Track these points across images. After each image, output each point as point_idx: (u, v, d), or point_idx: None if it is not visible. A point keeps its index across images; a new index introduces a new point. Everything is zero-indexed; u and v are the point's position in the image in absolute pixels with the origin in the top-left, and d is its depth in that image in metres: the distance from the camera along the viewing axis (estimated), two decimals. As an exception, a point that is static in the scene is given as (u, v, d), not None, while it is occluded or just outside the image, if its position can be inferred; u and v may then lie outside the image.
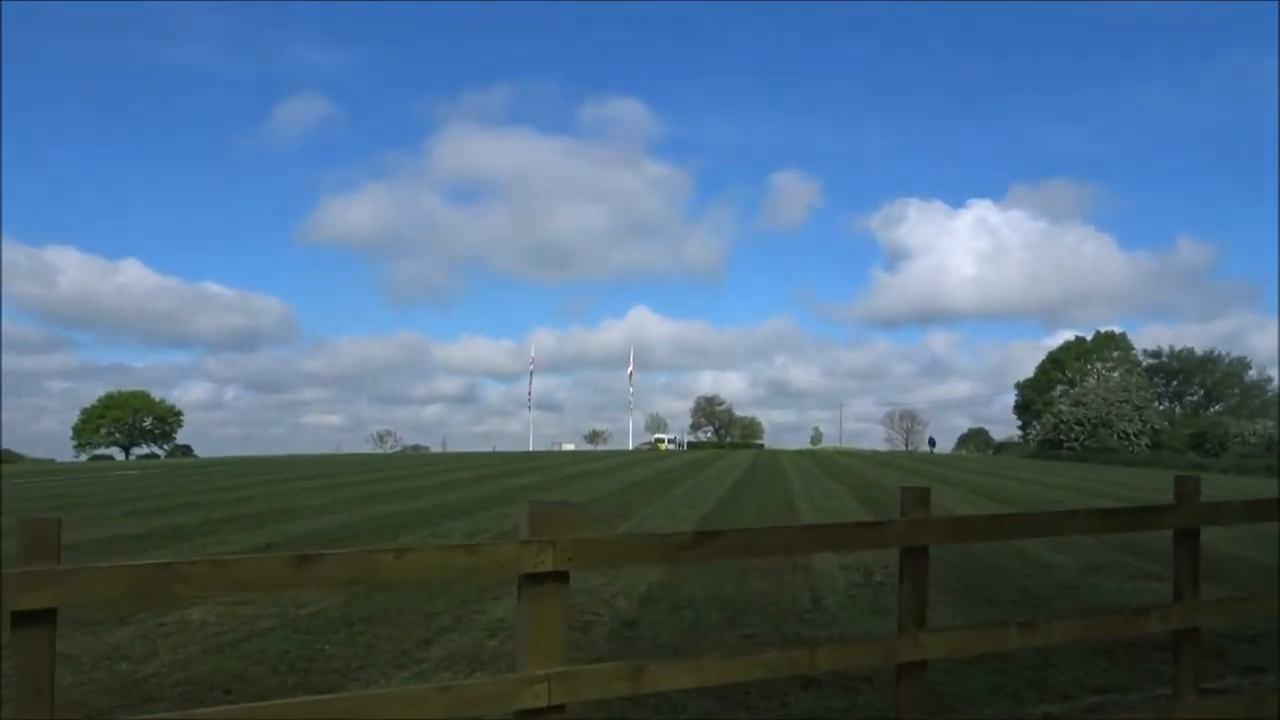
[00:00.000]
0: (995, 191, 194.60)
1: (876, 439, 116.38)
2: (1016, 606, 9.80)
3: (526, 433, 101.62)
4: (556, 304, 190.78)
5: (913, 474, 38.33)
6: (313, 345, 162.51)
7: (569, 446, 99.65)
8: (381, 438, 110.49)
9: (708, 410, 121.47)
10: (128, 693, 6.18)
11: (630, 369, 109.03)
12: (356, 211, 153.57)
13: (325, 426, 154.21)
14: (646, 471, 37.73)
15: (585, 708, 5.77)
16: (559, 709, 3.00)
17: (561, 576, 3.08)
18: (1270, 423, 61.80)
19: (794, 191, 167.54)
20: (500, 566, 3.03)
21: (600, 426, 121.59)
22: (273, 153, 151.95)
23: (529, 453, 75.93)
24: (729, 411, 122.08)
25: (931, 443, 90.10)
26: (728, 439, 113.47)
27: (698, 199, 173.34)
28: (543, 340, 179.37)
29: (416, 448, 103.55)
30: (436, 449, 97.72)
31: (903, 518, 3.63)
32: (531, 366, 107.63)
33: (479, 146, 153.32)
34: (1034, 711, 6.10)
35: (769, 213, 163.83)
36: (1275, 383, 76.34)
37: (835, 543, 3.77)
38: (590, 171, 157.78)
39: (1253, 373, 78.74)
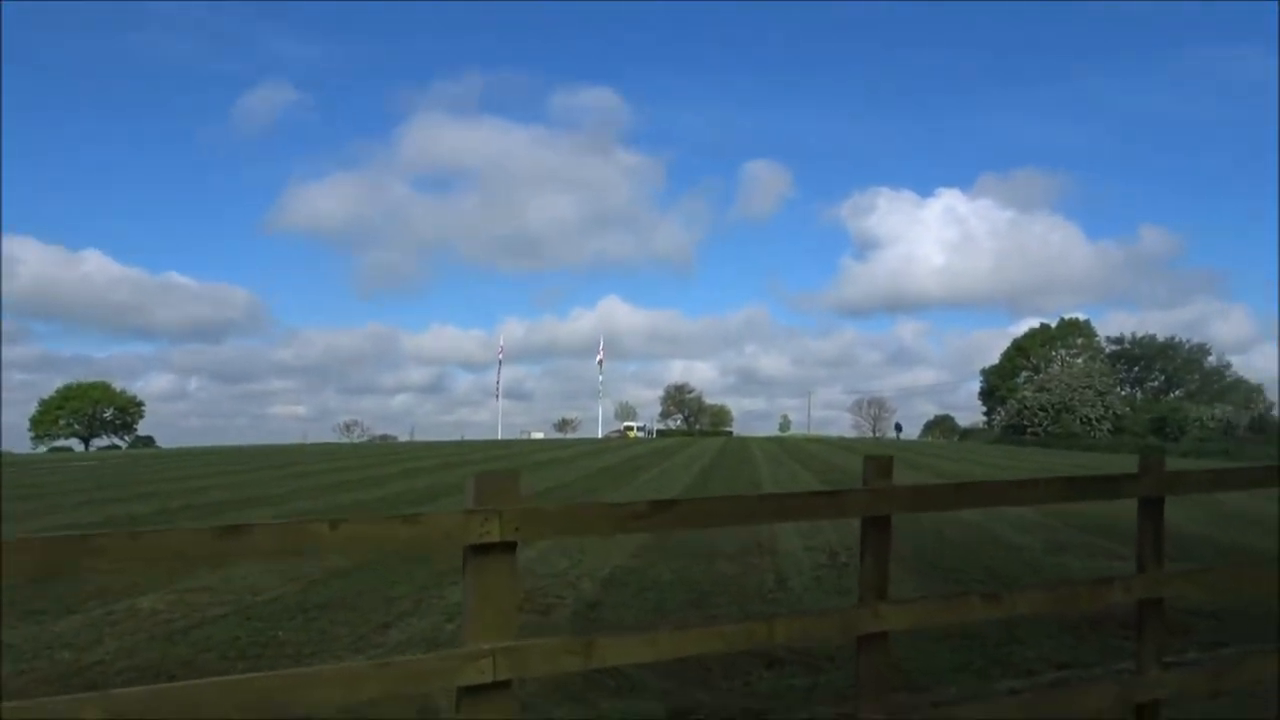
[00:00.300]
0: (964, 181, 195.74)
1: (844, 426, 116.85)
2: (981, 585, 9.79)
3: (495, 422, 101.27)
4: (527, 293, 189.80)
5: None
6: (280, 336, 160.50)
7: (538, 435, 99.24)
8: (348, 427, 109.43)
9: (677, 398, 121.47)
10: (68, 681, 5.97)
11: (600, 357, 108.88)
12: (325, 201, 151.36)
13: (291, 417, 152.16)
14: (614, 459, 37.63)
15: (544, 689, 5.67)
16: (504, 685, 2.86)
17: (508, 547, 2.94)
18: (1228, 408, 62.81)
19: (765, 181, 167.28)
20: (444, 538, 2.89)
21: (569, 415, 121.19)
22: (239, 142, 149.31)
23: (497, 441, 75.58)
24: (698, 399, 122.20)
25: (898, 429, 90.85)
26: (697, 427, 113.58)
27: (670, 188, 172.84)
28: (513, 329, 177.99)
29: (384, 437, 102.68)
30: (404, 438, 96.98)
31: (864, 487, 3.53)
32: (501, 356, 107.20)
33: (450, 136, 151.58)
34: (999, 687, 6.05)
35: (741, 202, 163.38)
36: (1233, 369, 77.65)
37: (794, 512, 3.65)
38: (562, 161, 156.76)
39: (1212, 359, 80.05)
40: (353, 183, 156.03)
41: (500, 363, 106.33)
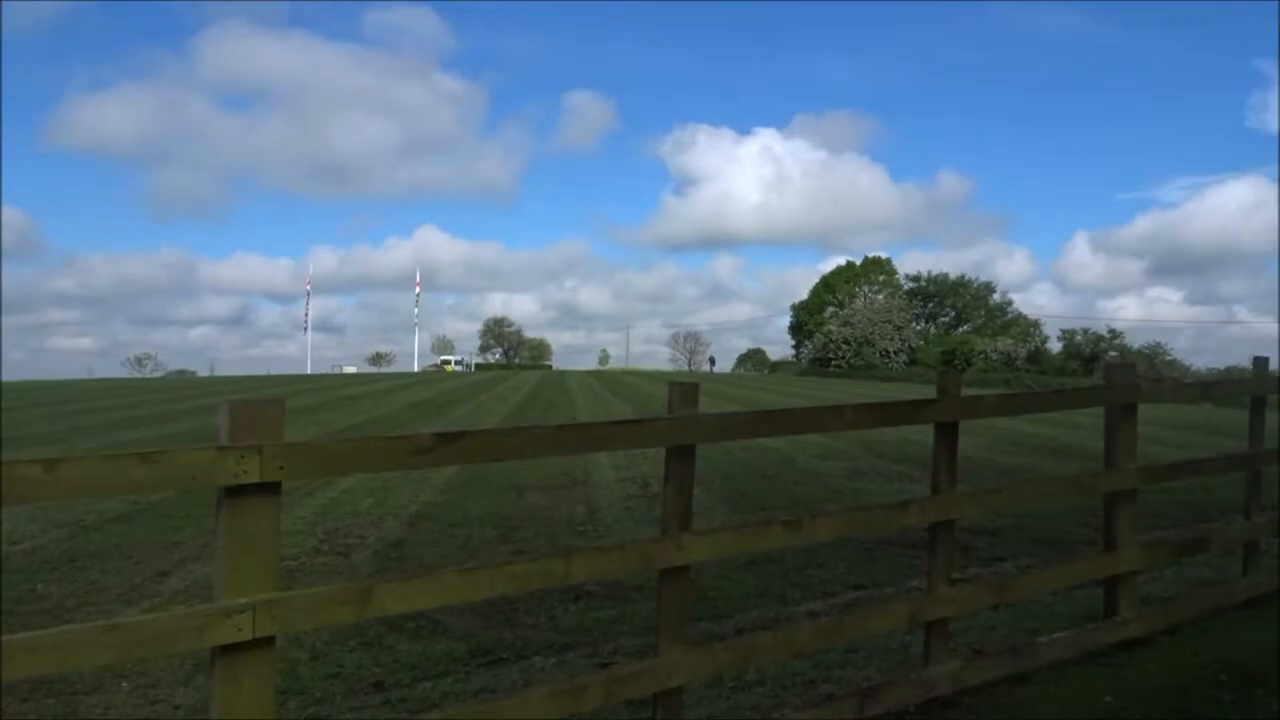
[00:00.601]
0: (780, 120, 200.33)
1: (662, 360, 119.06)
2: (786, 512, 10.07)
3: (304, 356, 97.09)
4: (339, 221, 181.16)
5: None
6: (61, 262, 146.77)
7: (350, 369, 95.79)
8: (140, 361, 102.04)
9: (496, 332, 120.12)
10: None
11: (417, 289, 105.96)
12: (111, 114, 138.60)
13: (75, 351, 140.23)
14: (429, 392, 36.77)
15: (337, 635, 5.34)
16: (266, 642, 2.55)
17: (271, 488, 2.60)
18: (1009, 341, 68.02)
19: (588, 112, 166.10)
20: (192, 478, 2.51)
21: (384, 349, 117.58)
22: (7, 44, 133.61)
23: (304, 375, 72.45)
24: (518, 333, 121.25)
25: (711, 361, 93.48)
26: (516, 360, 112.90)
27: (492, 116, 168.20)
28: (323, 259, 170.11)
29: (181, 372, 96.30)
30: (204, 374, 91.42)
31: (669, 415, 3.37)
32: (309, 286, 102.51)
33: (253, 49, 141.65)
34: (799, 610, 6.20)
35: (564, 133, 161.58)
36: (1015, 305, 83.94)
37: (595, 442, 3.46)
38: (376, 82, 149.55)
39: (996, 296, 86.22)
40: (142, 94, 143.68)
41: (309, 293, 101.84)
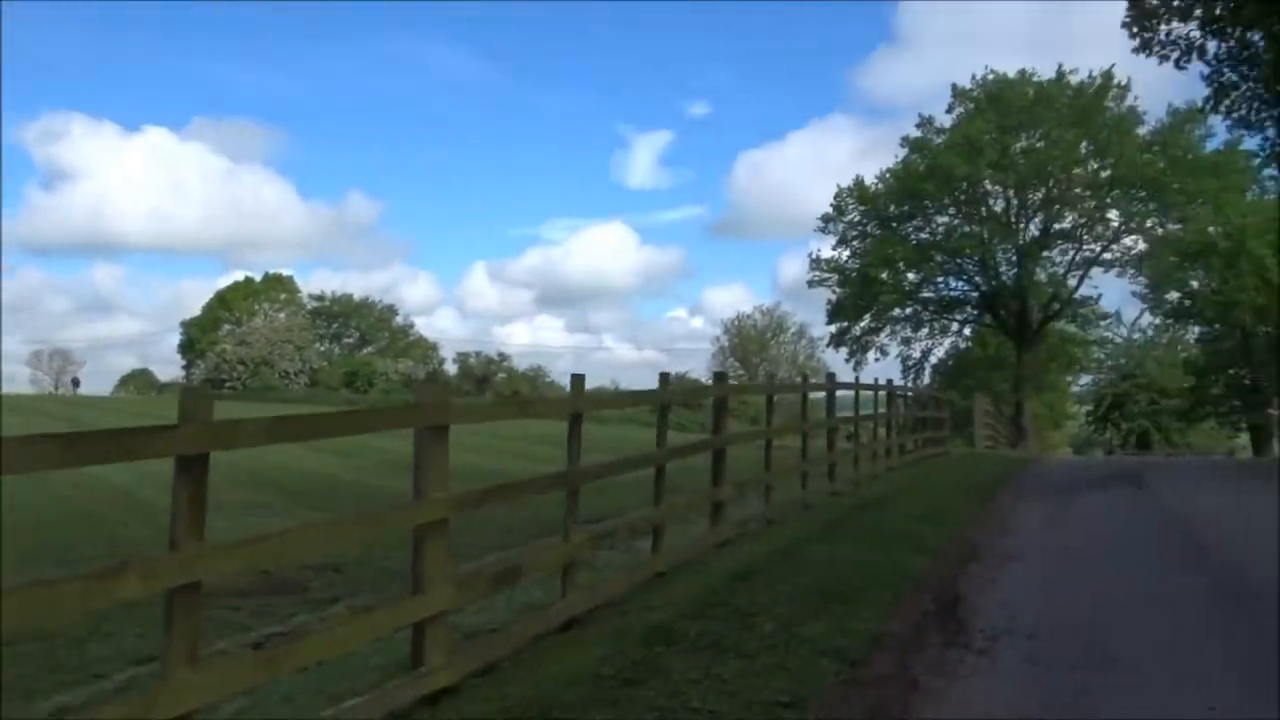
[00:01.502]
0: (175, 121, 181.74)
1: (22, 382, 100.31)
2: (101, 561, 8.26)
3: None
4: None
5: (45, 417, 33.47)
6: None
7: None
8: None
9: None
10: None
11: None
12: None
13: None
14: None
15: None
16: None
17: None
18: (410, 362, 69.82)
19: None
20: None
21: None
22: None
23: None
24: None
25: (75, 383, 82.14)
26: None
27: None
28: None
29: None
30: None
31: None
32: None
33: None
34: (44, 704, 4.73)
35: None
36: (417, 328, 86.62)
37: None
38: None
39: (400, 319, 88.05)
40: None
41: None
